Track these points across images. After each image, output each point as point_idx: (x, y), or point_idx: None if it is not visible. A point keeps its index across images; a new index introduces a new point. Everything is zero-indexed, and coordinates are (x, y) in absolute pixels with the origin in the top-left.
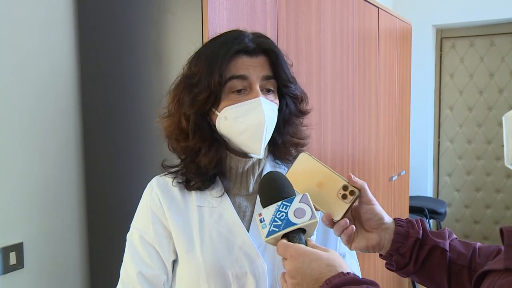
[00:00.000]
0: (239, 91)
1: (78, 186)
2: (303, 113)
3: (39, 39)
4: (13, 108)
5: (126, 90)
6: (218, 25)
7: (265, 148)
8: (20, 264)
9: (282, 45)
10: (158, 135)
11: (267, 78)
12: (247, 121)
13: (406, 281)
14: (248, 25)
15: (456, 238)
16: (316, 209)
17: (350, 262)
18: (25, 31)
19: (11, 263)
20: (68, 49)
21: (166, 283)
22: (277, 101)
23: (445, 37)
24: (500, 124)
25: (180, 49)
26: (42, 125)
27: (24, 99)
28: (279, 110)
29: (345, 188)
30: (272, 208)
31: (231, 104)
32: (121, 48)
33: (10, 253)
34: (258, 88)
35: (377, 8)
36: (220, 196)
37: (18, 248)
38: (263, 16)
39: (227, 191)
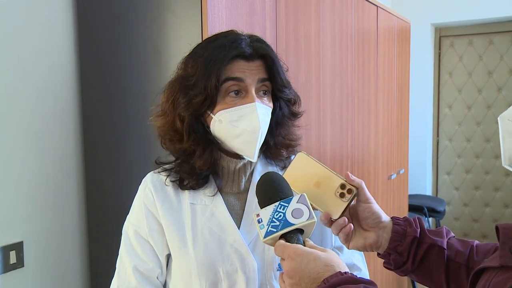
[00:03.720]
0: (236, 92)
1: (77, 185)
2: (295, 115)
3: (38, 36)
4: (13, 106)
5: (126, 88)
6: (217, 24)
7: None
8: (20, 263)
9: (281, 44)
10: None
11: (262, 80)
12: (242, 126)
13: (406, 280)
14: (247, 24)
15: (454, 236)
16: (314, 208)
17: (351, 254)
18: (24, 28)
19: (11, 262)
20: (67, 47)
21: (160, 276)
22: (271, 104)
23: (443, 35)
24: None
25: (179, 47)
26: (41, 124)
27: (23, 96)
28: (272, 112)
29: (342, 186)
30: (270, 208)
31: (226, 108)
32: (120, 46)
33: (10, 252)
34: (253, 92)
35: (376, 7)
36: (213, 195)
37: (18, 247)
38: (262, 15)
39: (220, 189)
